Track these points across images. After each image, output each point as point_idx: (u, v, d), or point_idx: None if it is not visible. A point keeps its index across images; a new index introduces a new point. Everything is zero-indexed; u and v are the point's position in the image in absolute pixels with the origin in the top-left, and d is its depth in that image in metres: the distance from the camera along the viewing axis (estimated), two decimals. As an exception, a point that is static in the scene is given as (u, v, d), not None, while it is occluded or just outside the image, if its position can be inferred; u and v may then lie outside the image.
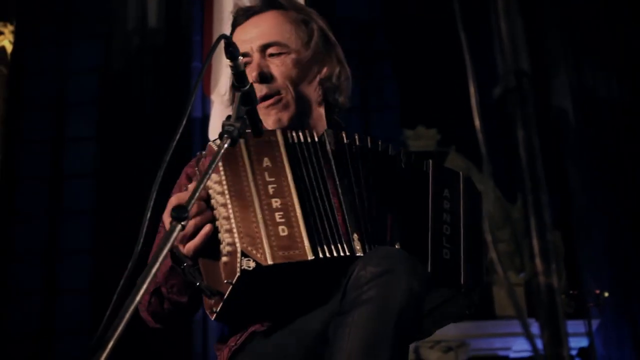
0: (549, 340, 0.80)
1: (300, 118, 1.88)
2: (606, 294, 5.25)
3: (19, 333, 7.16)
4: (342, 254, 1.55)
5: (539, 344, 0.86)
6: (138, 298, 1.19)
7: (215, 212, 1.58)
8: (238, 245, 1.50)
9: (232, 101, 2.01)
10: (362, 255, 1.57)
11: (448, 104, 6.97)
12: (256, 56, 1.85)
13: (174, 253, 1.63)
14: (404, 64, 8.10)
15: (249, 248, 1.50)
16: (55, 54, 8.19)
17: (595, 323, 6.10)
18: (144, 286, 1.16)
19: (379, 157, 1.74)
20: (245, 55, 1.87)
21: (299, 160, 1.63)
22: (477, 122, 0.92)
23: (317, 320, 1.59)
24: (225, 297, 1.55)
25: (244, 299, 1.58)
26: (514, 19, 0.99)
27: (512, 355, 6.81)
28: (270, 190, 1.56)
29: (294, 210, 1.55)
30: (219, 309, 1.58)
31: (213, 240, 1.59)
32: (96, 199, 7.61)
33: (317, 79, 1.93)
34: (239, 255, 1.49)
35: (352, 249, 1.57)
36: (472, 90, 0.92)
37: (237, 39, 1.90)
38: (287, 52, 1.88)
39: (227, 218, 1.54)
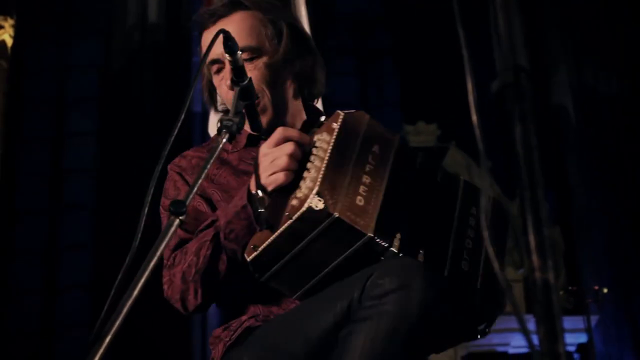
0: (545, 336, 0.81)
1: (278, 118, 1.89)
2: (605, 290, 5.25)
3: (19, 331, 7.17)
4: (387, 245, 1.58)
5: (536, 339, 0.86)
6: (136, 292, 1.19)
7: (309, 163, 1.63)
8: (317, 188, 1.55)
9: (208, 101, 2.02)
10: (394, 252, 1.58)
11: (449, 100, 6.98)
12: (229, 63, 1.82)
13: (250, 191, 1.67)
14: (404, 60, 8.10)
15: (325, 192, 1.55)
16: (55, 50, 8.19)
17: (594, 319, 6.11)
18: (142, 280, 1.17)
19: (422, 168, 1.78)
20: (216, 62, 1.86)
21: (400, 162, 1.70)
22: (474, 118, 0.93)
23: (325, 322, 1.59)
24: (278, 232, 1.58)
25: (283, 253, 1.60)
26: (512, 15, 0.99)
27: (510, 351, 6.82)
28: (367, 168, 1.64)
29: (378, 193, 1.62)
30: (262, 247, 1.60)
31: (293, 185, 1.62)
32: (96, 197, 7.62)
33: (291, 75, 1.93)
34: (313, 194, 1.54)
35: (392, 244, 1.59)
36: (469, 86, 0.92)
37: (205, 43, 1.89)
38: (259, 56, 1.86)
39: (319, 169, 1.60)
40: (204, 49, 1.90)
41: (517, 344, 6.67)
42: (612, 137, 7.36)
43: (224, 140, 1.55)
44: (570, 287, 5.79)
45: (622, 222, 7.08)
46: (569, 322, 5.90)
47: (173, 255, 1.80)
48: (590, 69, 7.64)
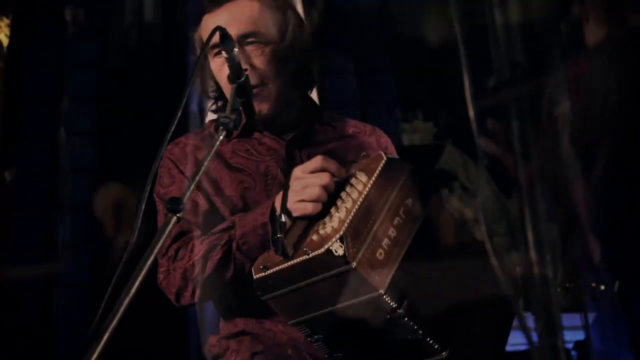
0: (544, 330, 0.81)
1: (279, 106, 1.89)
2: (602, 287, 5.25)
3: (18, 329, 7.17)
4: (395, 306, 1.54)
5: (535, 337, 0.86)
6: (134, 290, 1.19)
7: (339, 201, 1.60)
8: (342, 231, 1.51)
9: (199, 86, 2.01)
10: (401, 314, 1.54)
11: (446, 98, 6.97)
12: (226, 60, 1.80)
13: (274, 209, 1.64)
14: (403, 57, 8.09)
15: (349, 239, 1.51)
16: (53, 49, 8.18)
17: (591, 316, 6.10)
18: (140, 278, 1.17)
19: (451, 234, 1.75)
20: (218, 45, 1.85)
21: (431, 222, 1.67)
22: (471, 113, 0.92)
23: None
24: (290, 263, 1.55)
25: (290, 282, 1.57)
26: (510, 12, 0.99)
27: (509, 348, 6.81)
28: (396, 221, 1.60)
29: (400, 250, 1.59)
30: (271, 270, 1.57)
31: (319, 217, 1.60)
32: (95, 194, 7.61)
33: (294, 64, 1.92)
34: (336, 237, 1.51)
35: (400, 306, 1.55)
36: (466, 81, 0.92)
37: (208, 26, 1.88)
38: (265, 43, 1.86)
39: (348, 211, 1.56)
40: (204, 32, 1.88)
41: (515, 341, 6.66)
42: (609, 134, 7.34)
43: (221, 137, 1.54)
44: (567, 285, 5.78)
45: (621, 216, 7.07)
46: (566, 319, 5.86)
47: (175, 247, 1.78)
48: (586, 64, 7.62)
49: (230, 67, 1.65)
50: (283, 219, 1.59)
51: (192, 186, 1.38)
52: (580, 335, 6.53)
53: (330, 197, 1.62)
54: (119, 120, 7.61)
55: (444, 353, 1.57)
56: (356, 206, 1.56)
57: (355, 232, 1.53)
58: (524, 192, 0.90)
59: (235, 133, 1.92)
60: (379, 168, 1.62)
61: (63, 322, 7.16)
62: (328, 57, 7.93)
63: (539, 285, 0.86)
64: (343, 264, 1.49)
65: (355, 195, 1.59)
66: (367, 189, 1.59)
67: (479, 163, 1.00)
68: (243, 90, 1.65)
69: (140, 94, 7.67)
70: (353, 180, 1.62)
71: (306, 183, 1.61)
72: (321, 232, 1.54)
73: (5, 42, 7.53)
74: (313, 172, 1.64)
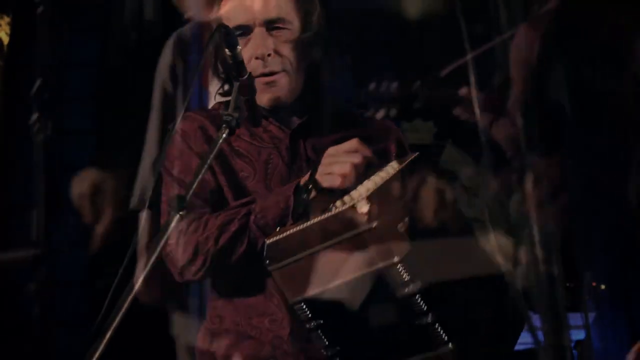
0: (549, 329, 0.80)
1: (295, 94, 1.90)
2: (602, 287, 5.25)
3: (17, 328, 7.16)
4: (406, 280, 1.55)
5: (540, 335, 0.85)
6: (136, 288, 1.19)
7: (366, 180, 1.64)
8: (367, 194, 1.55)
9: (213, 69, 2.01)
10: (412, 292, 1.55)
11: (445, 97, 6.96)
12: (260, 31, 1.83)
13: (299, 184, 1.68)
14: (402, 55, 8.09)
15: (374, 201, 1.54)
16: (52, 49, 8.16)
17: (591, 316, 6.09)
18: (142, 276, 1.17)
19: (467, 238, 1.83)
20: (243, 27, 1.85)
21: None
22: (477, 111, 0.92)
23: None
24: (311, 222, 1.57)
25: (303, 247, 1.57)
26: (515, 9, 0.99)
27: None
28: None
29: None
30: (288, 232, 1.58)
31: (344, 192, 1.63)
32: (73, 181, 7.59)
33: (313, 55, 1.93)
34: (362, 198, 1.53)
35: (413, 282, 1.56)
36: (472, 79, 0.92)
37: (232, 5, 1.87)
38: (291, 29, 1.87)
39: (375, 183, 1.61)
40: (234, 12, 1.87)
41: (521, 340, 6.64)
42: (609, 132, 7.33)
43: (224, 136, 1.55)
44: (567, 284, 5.77)
45: (620, 215, 7.06)
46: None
47: (188, 220, 1.79)
48: (587, 61, 7.61)
49: (233, 65, 1.65)
50: (309, 187, 1.62)
51: (195, 183, 1.39)
52: (580, 335, 6.54)
53: (359, 178, 1.67)
54: (118, 120, 7.61)
55: (449, 345, 1.56)
56: (384, 181, 1.61)
57: (380, 200, 1.56)
58: (529, 189, 0.89)
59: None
60: (410, 159, 1.71)
61: (63, 322, 7.17)
62: (327, 53, 7.94)
63: (545, 284, 0.86)
64: (365, 222, 1.50)
65: (384, 174, 1.64)
66: (396, 171, 1.65)
67: (484, 157, 1.00)
68: (246, 88, 1.65)
69: (140, 94, 7.67)
70: (384, 168, 1.69)
71: (338, 159, 1.68)
72: (346, 199, 1.58)
73: (6, 40, 7.53)
74: (347, 152, 1.66)
